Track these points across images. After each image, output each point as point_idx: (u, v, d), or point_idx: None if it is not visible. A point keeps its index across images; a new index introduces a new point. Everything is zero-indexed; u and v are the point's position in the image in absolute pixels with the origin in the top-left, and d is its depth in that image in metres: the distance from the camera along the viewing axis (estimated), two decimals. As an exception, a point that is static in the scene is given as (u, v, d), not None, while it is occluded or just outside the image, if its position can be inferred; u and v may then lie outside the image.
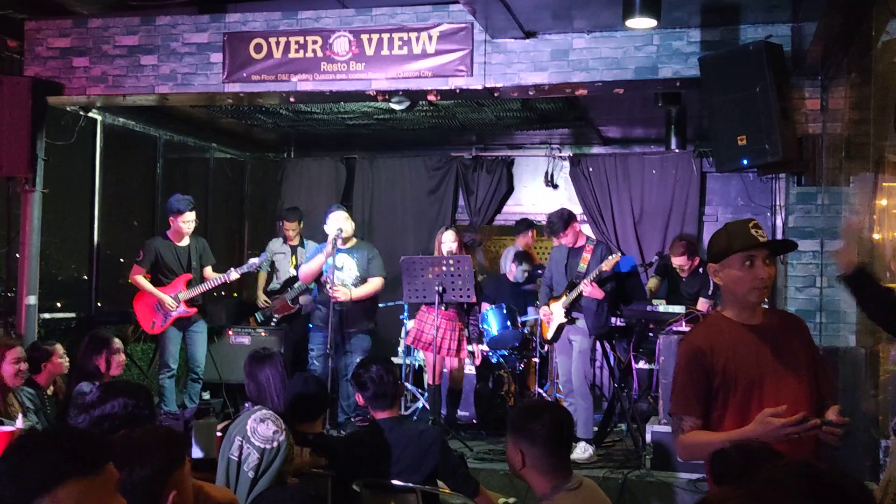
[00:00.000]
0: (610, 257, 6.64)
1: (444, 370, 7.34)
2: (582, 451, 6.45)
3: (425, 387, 8.02)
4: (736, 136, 5.88)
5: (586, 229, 9.28)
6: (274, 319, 8.46)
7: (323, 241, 7.34)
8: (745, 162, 5.96)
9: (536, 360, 7.84)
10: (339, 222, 7.07)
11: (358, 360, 7.10)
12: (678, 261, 7.83)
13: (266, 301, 8.56)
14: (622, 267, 7.02)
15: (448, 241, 7.25)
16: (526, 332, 8.16)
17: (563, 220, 6.74)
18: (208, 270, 7.51)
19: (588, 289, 6.56)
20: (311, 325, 7.45)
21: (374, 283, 7.26)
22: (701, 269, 7.91)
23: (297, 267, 8.47)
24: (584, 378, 6.74)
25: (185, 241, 7.42)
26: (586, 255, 6.79)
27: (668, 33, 6.29)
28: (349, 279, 7.18)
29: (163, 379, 7.27)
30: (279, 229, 8.83)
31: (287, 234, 8.71)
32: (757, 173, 8.07)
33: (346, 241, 7.16)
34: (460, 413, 7.62)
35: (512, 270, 8.61)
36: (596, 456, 6.57)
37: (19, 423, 4.33)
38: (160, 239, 7.43)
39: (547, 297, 6.99)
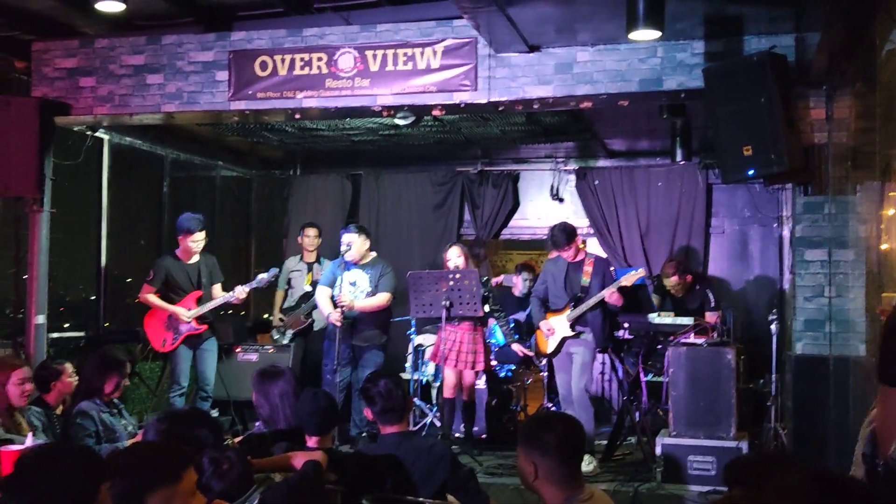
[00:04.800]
0: (632, 272, 6.75)
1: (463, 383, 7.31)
2: (586, 464, 6.42)
3: (433, 402, 8.00)
4: (742, 147, 5.88)
5: (593, 243, 9.28)
6: (289, 334, 8.47)
7: (333, 257, 7.45)
8: (751, 172, 5.96)
9: (544, 374, 7.81)
10: (346, 240, 7.24)
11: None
12: (671, 282, 7.82)
13: (281, 319, 8.56)
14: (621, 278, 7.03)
15: (454, 257, 7.25)
16: (533, 344, 8.14)
17: (566, 233, 6.79)
18: (217, 288, 7.52)
19: (616, 296, 6.61)
20: (326, 341, 7.50)
21: (380, 298, 7.32)
22: (697, 286, 7.88)
23: (313, 283, 8.47)
24: (585, 390, 6.74)
25: (195, 259, 7.44)
26: (588, 269, 6.79)
27: (671, 45, 6.30)
28: (361, 294, 7.25)
29: (173, 397, 7.25)
30: (300, 240, 8.81)
31: (304, 244, 8.68)
32: (763, 183, 8.06)
33: (361, 257, 7.33)
34: (470, 428, 7.59)
35: (517, 284, 8.59)
36: (598, 468, 6.55)
37: (29, 441, 4.32)
38: (170, 258, 7.45)
39: (541, 311, 6.96)
